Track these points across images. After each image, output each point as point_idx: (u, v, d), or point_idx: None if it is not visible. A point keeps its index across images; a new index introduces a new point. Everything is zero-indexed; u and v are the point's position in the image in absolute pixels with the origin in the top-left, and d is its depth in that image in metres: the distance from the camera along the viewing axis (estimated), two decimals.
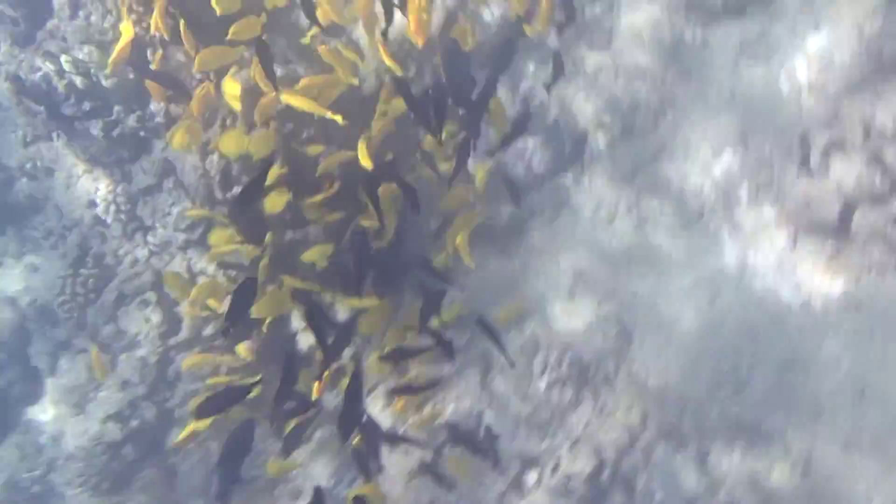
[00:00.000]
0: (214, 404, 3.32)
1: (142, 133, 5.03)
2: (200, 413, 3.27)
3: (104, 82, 4.78)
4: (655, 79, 4.89)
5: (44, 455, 5.95)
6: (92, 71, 4.64)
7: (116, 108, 4.92)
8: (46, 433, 6.01)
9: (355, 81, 4.34)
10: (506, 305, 4.86)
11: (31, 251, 6.21)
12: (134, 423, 5.48)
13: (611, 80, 4.96)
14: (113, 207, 5.39)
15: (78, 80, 4.77)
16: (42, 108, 4.93)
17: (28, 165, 5.89)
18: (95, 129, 5.04)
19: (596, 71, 4.96)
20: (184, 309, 4.97)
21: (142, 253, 5.40)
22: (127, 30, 4.42)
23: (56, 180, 5.78)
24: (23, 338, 6.15)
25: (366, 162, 4.06)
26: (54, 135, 5.24)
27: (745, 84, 4.62)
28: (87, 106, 4.90)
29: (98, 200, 5.54)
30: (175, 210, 5.12)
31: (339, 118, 4.10)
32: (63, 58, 4.75)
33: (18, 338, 6.14)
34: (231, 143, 4.38)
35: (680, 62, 4.85)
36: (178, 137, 4.24)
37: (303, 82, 4.22)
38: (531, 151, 5.06)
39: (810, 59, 4.31)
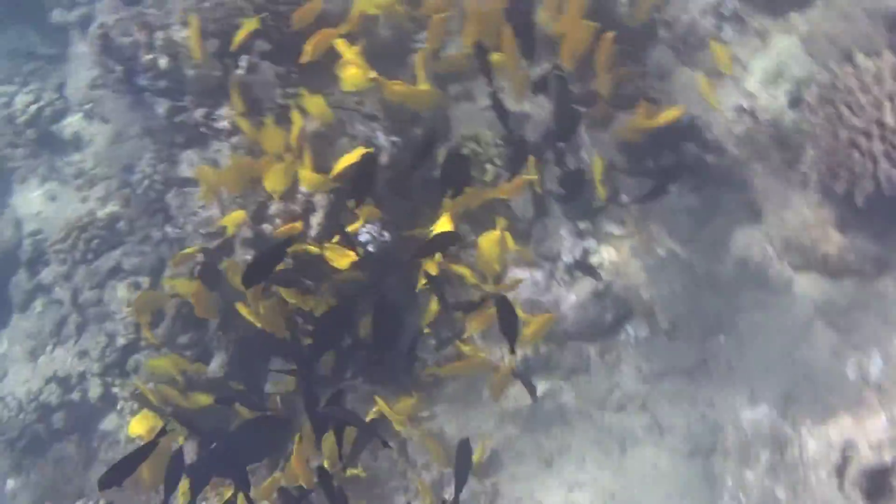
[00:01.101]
0: (120, 473, 3.06)
1: (203, 129, 4.83)
2: (103, 486, 3.00)
3: (187, 70, 4.58)
4: (724, 296, 4.57)
5: None
6: (180, 56, 4.44)
7: (189, 97, 4.73)
8: None
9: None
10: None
11: (57, 181, 6.07)
12: (75, 395, 5.27)
13: (678, 274, 4.65)
14: (147, 182, 5.21)
15: (163, 61, 4.59)
16: (119, 69, 4.76)
17: (87, 106, 5.77)
18: (161, 107, 4.86)
19: (667, 260, 4.66)
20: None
21: (156, 235, 5.19)
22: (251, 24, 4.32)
23: (106, 131, 5.64)
24: (11, 264, 5.98)
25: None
26: (123, 91, 5.06)
27: (811, 348, 4.26)
28: (161, 84, 4.72)
29: (136, 168, 5.38)
30: (203, 213, 4.90)
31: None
32: (158, 33, 4.57)
33: (6, 263, 5.97)
34: (275, 180, 4.23)
35: (756, 292, 4.52)
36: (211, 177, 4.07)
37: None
38: (571, 306, 4.77)
39: (891, 359, 3.95)
